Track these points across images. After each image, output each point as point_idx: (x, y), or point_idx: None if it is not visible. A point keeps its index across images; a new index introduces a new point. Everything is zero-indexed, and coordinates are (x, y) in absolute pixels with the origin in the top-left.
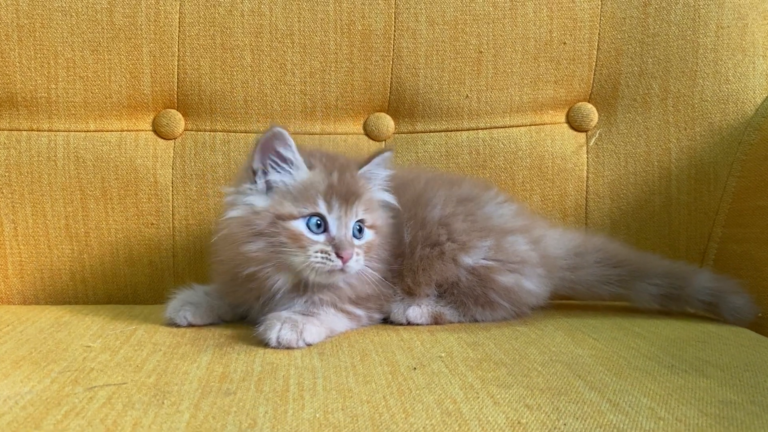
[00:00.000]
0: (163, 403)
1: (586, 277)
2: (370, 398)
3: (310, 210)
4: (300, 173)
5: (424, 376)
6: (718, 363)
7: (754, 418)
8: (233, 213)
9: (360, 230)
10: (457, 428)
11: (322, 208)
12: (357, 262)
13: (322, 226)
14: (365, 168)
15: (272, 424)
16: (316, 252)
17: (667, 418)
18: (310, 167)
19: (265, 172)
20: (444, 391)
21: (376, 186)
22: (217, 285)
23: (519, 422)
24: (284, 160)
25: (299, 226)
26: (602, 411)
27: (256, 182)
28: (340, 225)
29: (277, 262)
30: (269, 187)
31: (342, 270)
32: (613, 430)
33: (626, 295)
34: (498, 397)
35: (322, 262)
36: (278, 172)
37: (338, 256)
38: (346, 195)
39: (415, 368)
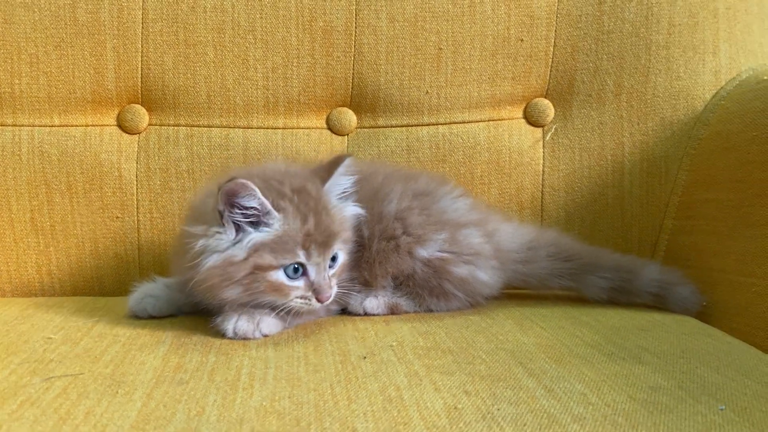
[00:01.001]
0: (117, 392)
1: (538, 270)
2: (317, 386)
3: (289, 261)
4: (271, 220)
5: (373, 364)
6: (656, 350)
7: (678, 402)
8: (209, 262)
9: (333, 258)
10: (395, 413)
11: (301, 257)
12: (333, 292)
13: (300, 270)
14: (329, 183)
15: (219, 412)
16: (297, 297)
17: (596, 403)
18: (279, 210)
19: (231, 215)
20: (389, 379)
21: (340, 197)
22: (180, 282)
23: (455, 407)
24: (252, 208)
25: (279, 276)
26: (536, 397)
27: (224, 225)
28: (319, 269)
29: (254, 302)
30: (238, 228)
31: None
32: (544, 414)
33: (577, 288)
34: (440, 383)
35: (301, 306)
36: (248, 219)
37: (317, 300)
38: (324, 241)
39: (365, 357)
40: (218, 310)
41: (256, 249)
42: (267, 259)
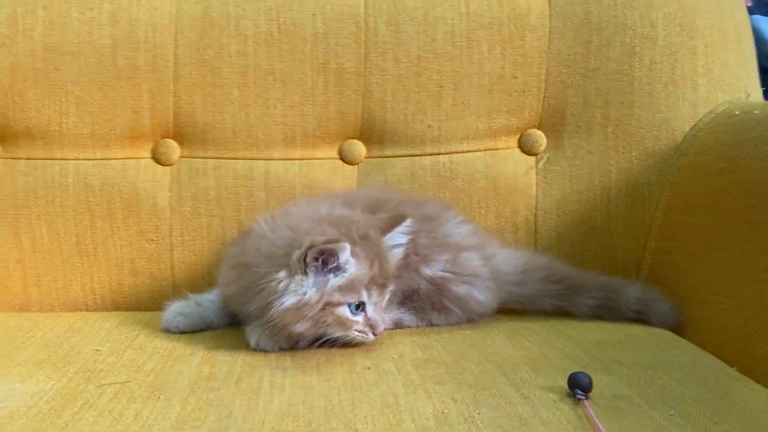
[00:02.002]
0: (159, 397)
1: (531, 291)
2: (327, 393)
3: (355, 299)
4: (348, 267)
5: (376, 374)
6: (627, 362)
7: (635, 408)
8: (287, 301)
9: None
10: (391, 417)
11: (364, 297)
12: (384, 324)
13: (361, 307)
14: (388, 236)
15: (245, 415)
16: (356, 330)
17: (564, 409)
18: (354, 256)
19: (315, 266)
20: (389, 387)
21: (393, 248)
22: (224, 296)
23: (442, 412)
24: (338, 267)
25: (345, 311)
26: (513, 403)
27: (307, 274)
28: (376, 308)
29: (319, 335)
30: (316, 274)
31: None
32: (518, 418)
33: (566, 307)
34: (432, 392)
35: (359, 337)
36: (332, 273)
37: (373, 333)
38: (383, 283)
39: (369, 368)
40: (245, 321)
41: (330, 289)
42: (337, 297)
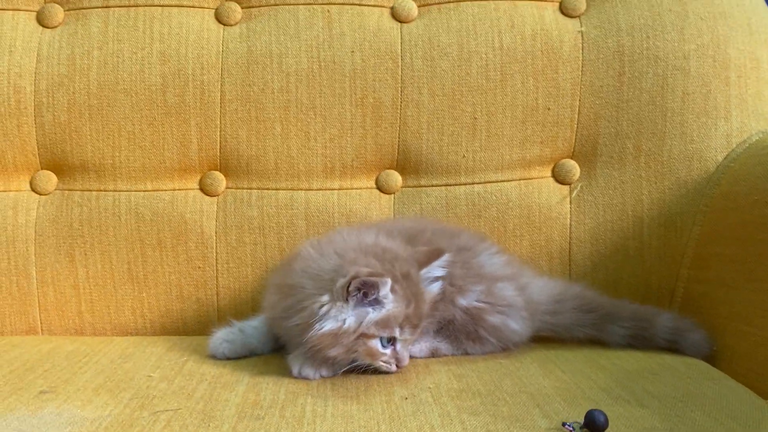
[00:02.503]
0: (209, 425)
1: (564, 321)
2: (366, 423)
3: (387, 334)
4: (386, 302)
5: (413, 405)
6: (660, 394)
7: None
8: (326, 327)
9: None
10: None
11: (396, 333)
12: (408, 361)
13: (391, 341)
14: (425, 270)
15: None
16: (383, 361)
17: None
18: (393, 292)
19: (358, 299)
20: (426, 418)
21: (430, 282)
22: (268, 319)
23: None
24: (377, 300)
25: (377, 344)
26: None
27: (348, 302)
28: (405, 344)
29: (348, 360)
30: (356, 304)
31: None
32: None
33: (600, 337)
34: (467, 423)
35: (384, 367)
36: (371, 306)
37: (397, 365)
38: (416, 323)
39: (406, 398)
40: (290, 348)
41: (367, 322)
42: (372, 330)
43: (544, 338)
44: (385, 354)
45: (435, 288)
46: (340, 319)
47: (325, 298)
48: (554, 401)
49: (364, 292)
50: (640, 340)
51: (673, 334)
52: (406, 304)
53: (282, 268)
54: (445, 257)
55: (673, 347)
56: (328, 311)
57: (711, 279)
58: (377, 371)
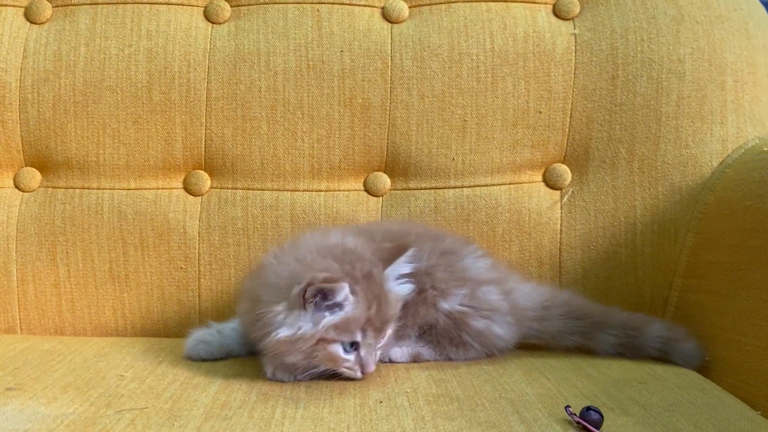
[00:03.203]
0: (173, 425)
1: (551, 328)
2: (336, 426)
3: (348, 338)
4: (346, 305)
5: (387, 408)
6: (646, 403)
7: None
8: (281, 333)
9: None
10: None
11: (358, 337)
12: (374, 367)
13: (354, 346)
14: (390, 268)
15: None
16: (345, 367)
17: None
18: (353, 293)
19: (316, 304)
20: (398, 422)
21: (397, 281)
22: (239, 329)
23: None
24: (336, 304)
25: (337, 349)
26: None
27: (306, 309)
28: (369, 350)
29: (310, 367)
30: (314, 310)
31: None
32: None
33: (588, 344)
34: (441, 428)
35: (348, 373)
36: (329, 310)
37: (362, 371)
38: (380, 327)
39: (381, 402)
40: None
41: (325, 326)
42: (330, 334)
43: (530, 346)
44: (347, 360)
45: (405, 289)
46: (295, 326)
47: (280, 307)
48: (534, 408)
49: (321, 296)
50: (630, 349)
51: (663, 343)
52: (367, 306)
53: (251, 276)
54: (410, 252)
55: (663, 357)
56: (284, 320)
57: (704, 288)
58: (347, 377)
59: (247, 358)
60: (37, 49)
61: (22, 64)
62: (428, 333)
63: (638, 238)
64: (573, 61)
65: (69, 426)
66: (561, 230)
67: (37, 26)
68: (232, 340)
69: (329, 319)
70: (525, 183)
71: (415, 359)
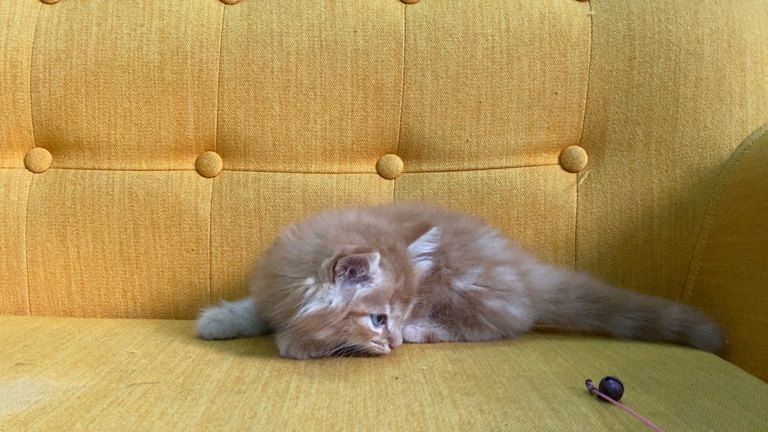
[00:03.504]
0: (186, 398)
1: (568, 310)
2: (352, 400)
3: (378, 311)
4: (375, 277)
5: (403, 384)
6: (667, 382)
7: (672, 426)
8: (312, 308)
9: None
10: (416, 424)
11: (386, 310)
12: (401, 342)
13: (382, 319)
14: (413, 245)
15: (268, 417)
16: (374, 341)
17: (595, 424)
18: (381, 266)
19: (345, 277)
20: (415, 396)
21: (419, 258)
22: (251, 306)
23: (469, 422)
24: (366, 276)
25: (368, 322)
26: (543, 416)
27: (335, 282)
28: (397, 322)
29: (338, 342)
30: (344, 283)
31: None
32: (546, 430)
33: (605, 328)
34: (459, 402)
35: (376, 348)
36: (359, 283)
37: (390, 346)
38: (407, 298)
39: (397, 378)
40: (279, 330)
41: (356, 299)
42: (362, 307)
43: (545, 329)
44: (376, 333)
45: (424, 265)
46: (326, 300)
47: (310, 280)
48: (554, 384)
49: (352, 269)
50: (648, 332)
51: (682, 326)
52: (395, 278)
53: (268, 253)
54: (433, 231)
55: (682, 340)
56: (313, 294)
57: (724, 270)
58: (369, 354)
59: (259, 337)
60: (48, 28)
61: (33, 43)
62: (442, 313)
63: (655, 221)
64: (589, 42)
65: (80, 398)
66: (577, 213)
67: (49, 5)
68: (244, 319)
69: (360, 291)
70: (540, 165)
71: (430, 339)
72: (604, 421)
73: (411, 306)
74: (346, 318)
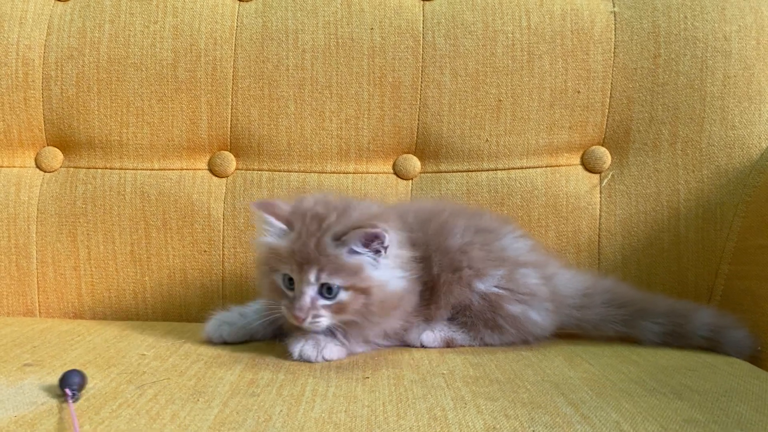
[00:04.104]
0: (198, 400)
1: (592, 316)
2: (371, 403)
3: (282, 269)
4: (280, 237)
5: (423, 388)
6: (699, 389)
7: None
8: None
9: (329, 290)
10: (438, 429)
11: (287, 270)
12: (317, 323)
13: (293, 283)
14: (344, 238)
15: (284, 420)
16: (284, 305)
17: (628, 431)
18: (290, 226)
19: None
20: (437, 401)
21: (359, 251)
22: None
23: (494, 428)
24: (271, 226)
25: (278, 279)
26: (572, 422)
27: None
28: (298, 289)
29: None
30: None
31: (301, 325)
32: None
33: (631, 334)
34: (483, 407)
35: (286, 314)
36: (269, 233)
37: (293, 315)
38: (301, 261)
39: (416, 382)
40: (290, 334)
41: (265, 249)
42: (273, 262)
43: (568, 335)
44: (287, 296)
45: (357, 257)
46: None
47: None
48: (581, 390)
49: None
50: (676, 338)
51: (712, 331)
52: (297, 237)
53: None
54: (360, 232)
55: (711, 346)
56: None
57: (754, 274)
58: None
59: (271, 341)
60: (61, 25)
61: (46, 40)
62: (462, 315)
63: (682, 223)
64: (612, 40)
65: (89, 399)
66: (600, 215)
67: (62, 2)
68: (255, 322)
69: (266, 239)
70: (562, 166)
71: (448, 344)
72: (636, 428)
73: (312, 275)
74: (269, 269)
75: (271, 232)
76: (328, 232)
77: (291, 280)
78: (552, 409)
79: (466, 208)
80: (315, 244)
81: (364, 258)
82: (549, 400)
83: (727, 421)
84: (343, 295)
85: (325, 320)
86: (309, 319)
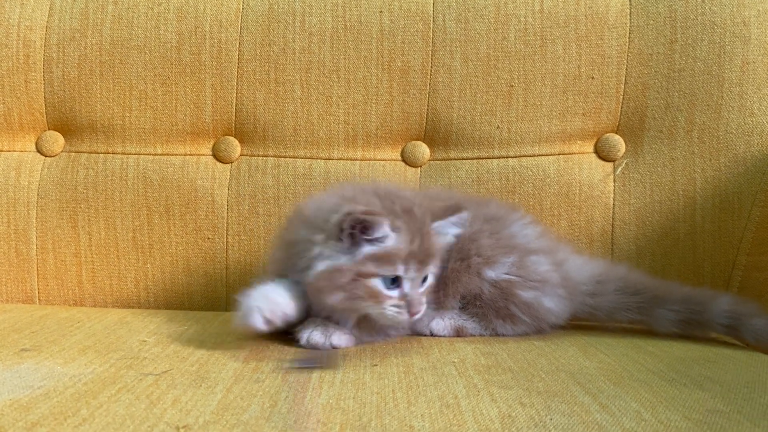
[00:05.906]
0: (200, 385)
1: (606, 303)
2: (380, 390)
3: (389, 272)
4: (387, 243)
5: (434, 376)
6: (720, 379)
7: (735, 425)
8: (320, 266)
9: (424, 279)
10: (451, 417)
11: (400, 271)
12: (423, 309)
13: (397, 282)
14: (439, 223)
15: (290, 406)
16: (391, 306)
17: (649, 420)
18: (394, 230)
19: (353, 236)
20: (448, 389)
21: (444, 236)
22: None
23: (509, 416)
24: (376, 238)
25: (377, 284)
26: (590, 411)
27: (341, 240)
28: (413, 285)
29: (353, 309)
30: (353, 242)
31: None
32: (595, 426)
33: (646, 321)
34: (497, 395)
35: (394, 315)
36: (368, 243)
37: (409, 312)
38: (423, 259)
39: (426, 370)
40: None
41: (364, 259)
42: (368, 267)
43: (581, 325)
44: (390, 297)
45: (447, 238)
46: (333, 258)
47: (318, 237)
48: (597, 380)
49: (362, 228)
50: (693, 326)
51: (732, 318)
52: (409, 239)
53: (286, 223)
54: (463, 214)
55: (731, 334)
56: (320, 252)
57: None
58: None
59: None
60: (63, 6)
61: (47, 22)
62: (472, 304)
63: (698, 212)
64: (628, 25)
65: (87, 384)
66: (614, 204)
67: None
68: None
69: (367, 250)
70: (575, 154)
71: (459, 333)
72: (658, 417)
73: (429, 269)
74: (354, 279)
75: (378, 241)
76: (426, 223)
77: (394, 280)
78: (569, 398)
79: (473, 197)
80: (428, 239)
81: (446, 239)
82: (565, 389)
83: (751, 412)
84: (430, 278)
85: (424, 307)
86: (421, 310)
